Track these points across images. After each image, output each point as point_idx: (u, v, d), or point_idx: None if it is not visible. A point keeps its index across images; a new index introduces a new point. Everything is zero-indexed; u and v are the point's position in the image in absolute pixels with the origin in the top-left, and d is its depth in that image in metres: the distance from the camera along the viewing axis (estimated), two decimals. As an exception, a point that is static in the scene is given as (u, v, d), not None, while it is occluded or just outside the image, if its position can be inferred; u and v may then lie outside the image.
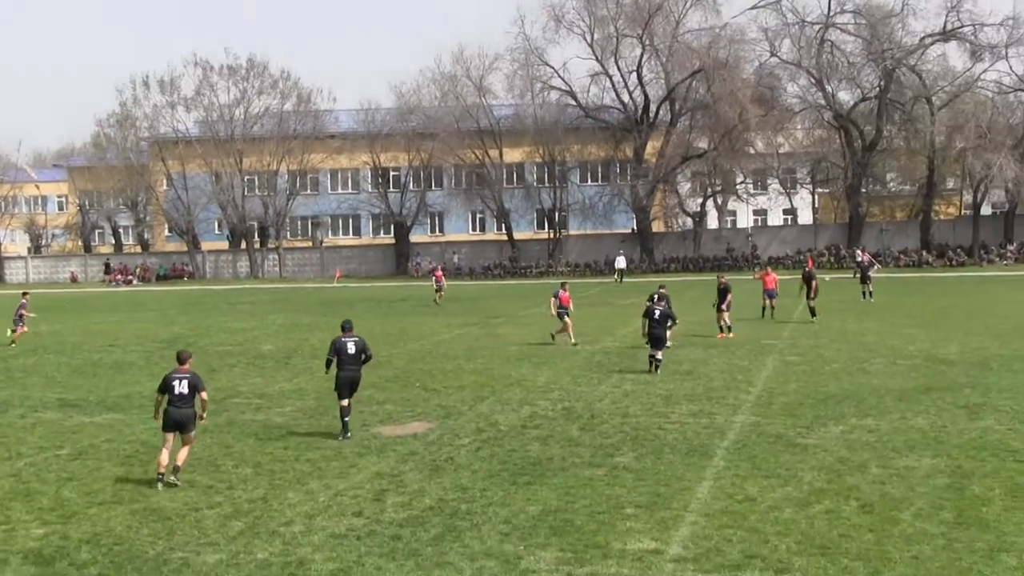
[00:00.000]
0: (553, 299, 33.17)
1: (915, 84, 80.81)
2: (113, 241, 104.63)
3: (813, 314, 38.50)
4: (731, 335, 33.04)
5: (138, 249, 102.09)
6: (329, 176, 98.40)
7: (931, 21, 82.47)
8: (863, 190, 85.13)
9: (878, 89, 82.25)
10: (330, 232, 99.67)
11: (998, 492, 13.93)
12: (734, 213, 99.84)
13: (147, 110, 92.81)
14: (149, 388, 25.03)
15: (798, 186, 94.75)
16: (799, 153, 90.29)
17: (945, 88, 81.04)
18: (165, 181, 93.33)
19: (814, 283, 39.50)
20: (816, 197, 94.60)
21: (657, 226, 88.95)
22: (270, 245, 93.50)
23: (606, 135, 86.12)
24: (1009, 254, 77.70)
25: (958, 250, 78.99)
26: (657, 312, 26.18)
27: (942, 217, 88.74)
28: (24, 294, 38.80)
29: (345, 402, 18.83)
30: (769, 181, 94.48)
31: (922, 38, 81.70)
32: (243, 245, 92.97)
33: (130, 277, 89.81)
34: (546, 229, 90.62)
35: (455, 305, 51.77)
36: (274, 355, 31.99)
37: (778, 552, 11.73)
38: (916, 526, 12.57)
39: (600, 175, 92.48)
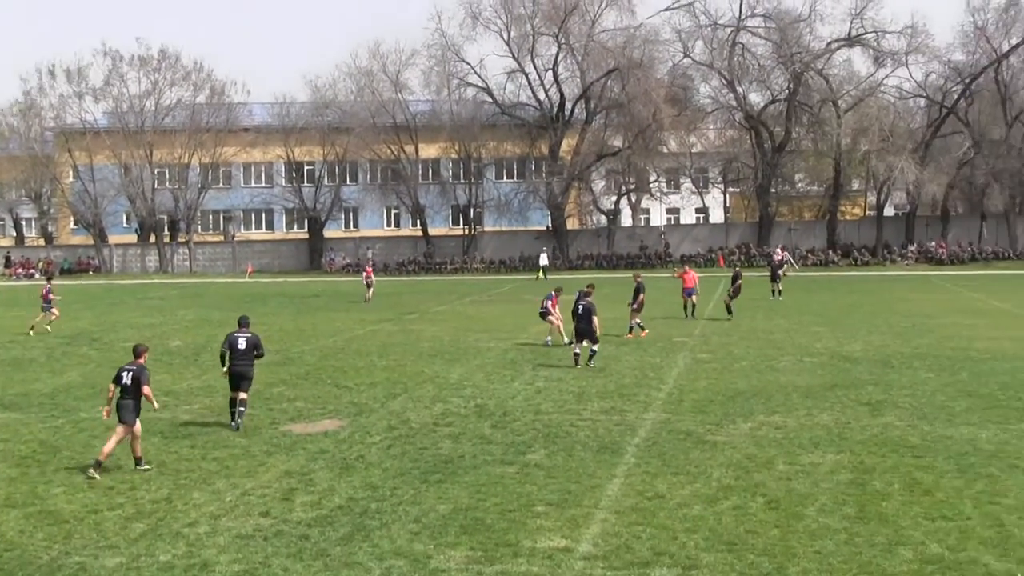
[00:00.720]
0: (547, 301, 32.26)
1: (822, 88, 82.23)
2: (15, 233, 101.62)
3: (729, 311, 38.87)
4: (643, 334, 33.15)
5: (41, 242, 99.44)
6: (242, 170, 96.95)
7: (837, 27, 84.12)
8: (772, 190, 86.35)
9: (787, 92, 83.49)
10: (242, 226, 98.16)
11: (897, 487, 14.16)
12: (648, 211, 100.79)
13: (53, 100, 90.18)
14: (50, 385, 24.57)
15: (710, 185, 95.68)
16: (711, 153, 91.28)
17: (850, 92, 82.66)
18: (71, 173, 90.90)
19: (739, 283, 39.84)
20: (727, 196, 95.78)
21: (572, 223, 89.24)
22: (180, 239, 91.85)
23: (522, 132, 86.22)
24: (910, 254, 79.30)
25: (863, 250, 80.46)
26: (580, 307, 26.46)
27: (848, 217, 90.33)
28: (49, 278, 38.04)
29: (240, 395, 18.74)
30: (682, 180, 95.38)
31: (829, 43, 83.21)
32: (152, 239, 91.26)
33: (32, 271, 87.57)
34: (461, 225, 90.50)
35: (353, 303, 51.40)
36: (183, 351, 31.42)
37: (686, 549, 11.78)
38: (820, 521, 12.73)
39: (516, 172, 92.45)
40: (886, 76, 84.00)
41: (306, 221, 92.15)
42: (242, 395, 18.92)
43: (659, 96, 78.37)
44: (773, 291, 47.99)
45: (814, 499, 13.68)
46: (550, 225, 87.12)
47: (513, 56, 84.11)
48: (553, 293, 32.93)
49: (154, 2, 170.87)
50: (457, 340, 32.62)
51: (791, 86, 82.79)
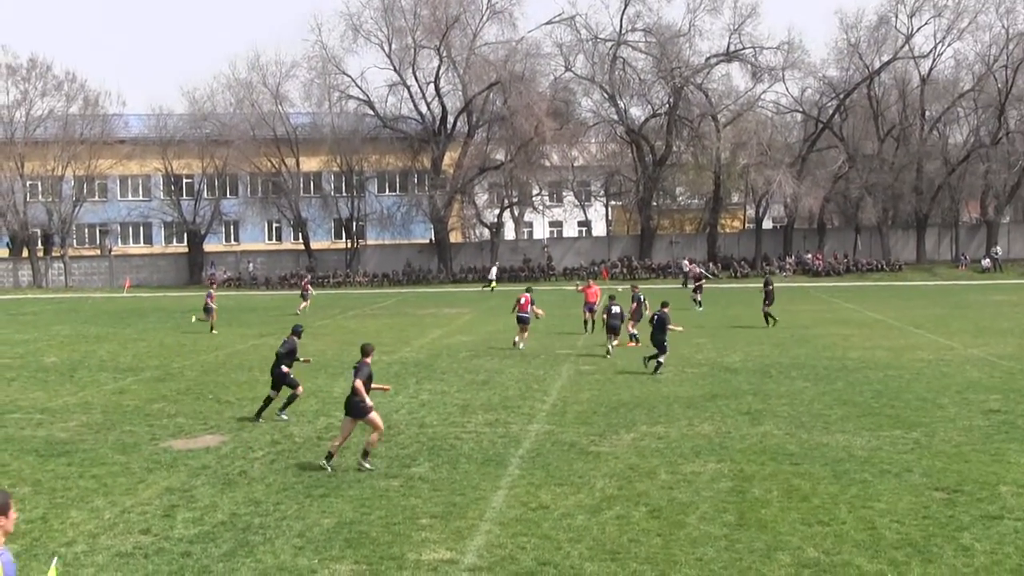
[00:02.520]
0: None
1: (702, 102, 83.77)
2: None
3: (767, 319, 40.34)
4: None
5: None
6: (118, 182, 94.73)
7: (716, 42, 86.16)
8: (654, 203, 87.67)
9: (668, 106, 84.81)
10: (119, 240, 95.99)
11: (776, 494, 14.54)
12: (530, 224, 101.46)
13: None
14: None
15: (592, 198, 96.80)
16: (593, 166, 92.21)
17: (729, 107, 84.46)
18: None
19: (770, 288, 41.10)
20: (609, 209, 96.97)
21: (455, 236, 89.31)
22: (55, 253, 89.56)
23: (404, 145, 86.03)
24: (788, 266, 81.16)
25: (742, 262, 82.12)
26: (656, 317, 27.67)
27: (727, 230, 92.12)
28: (211, 283, 35.39)
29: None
30: (564, 193, 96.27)
31: (708, 58, 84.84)
32: (25, 253, 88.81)
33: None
34: (344, 239, 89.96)
35: (251, 316, 50.86)
36: (58, 367, 30.69)
37: (570, 559, 11.93)
38: (701, 529, 13.00)
39: (398, 185, 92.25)
40: (764, 91, 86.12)
41: (185, 235, 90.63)
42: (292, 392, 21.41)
43: (541, 110, 78.98)
44: (694, 300, 48.98)
45: (695, 507, 13.96)
46: (433, 238, 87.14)
47: (395, 69, 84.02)
48: (526, 295, 34.63)
49: (20, 10, 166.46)
50: (340, 354, 32.43)
51: (671, 100, 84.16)
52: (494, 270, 77.15)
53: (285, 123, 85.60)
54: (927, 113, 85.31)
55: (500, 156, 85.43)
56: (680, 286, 67.88)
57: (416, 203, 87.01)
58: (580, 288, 42.58)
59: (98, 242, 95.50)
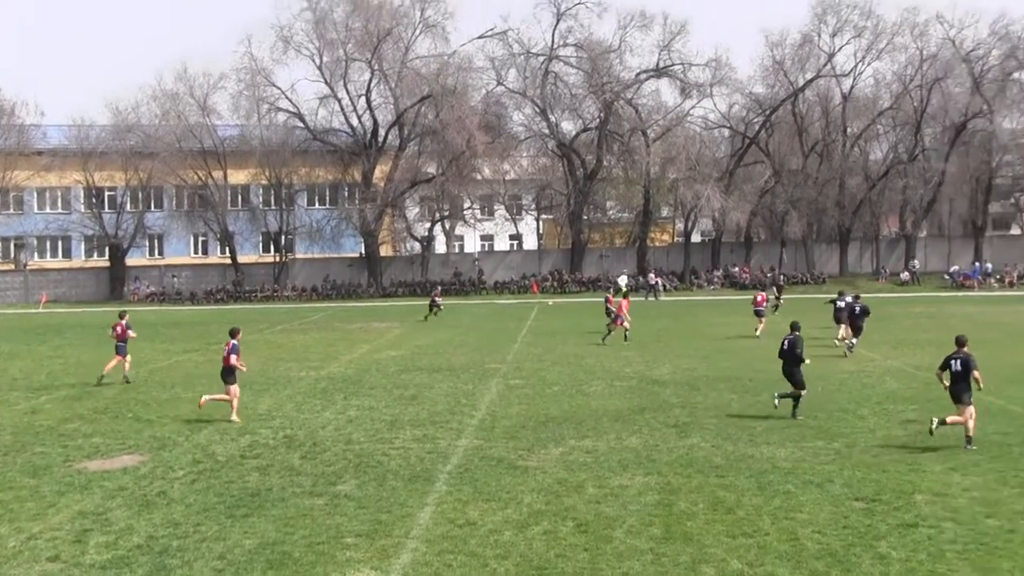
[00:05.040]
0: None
1: (632, 117, 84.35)
2: None
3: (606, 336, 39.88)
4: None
5: None
6: (36, 195, 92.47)
7: (646, 58, 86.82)
8: (585, 217, 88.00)
9: (598, 120, 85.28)
10: (36, 254, 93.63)
11: (702, 507, 14.61)
12: (462, 238, 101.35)
13: None
14: None
15: (523, 212, 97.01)
16: (524, 180, 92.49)
17: (659, 122, 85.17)
18: None
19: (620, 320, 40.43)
20: (540, 223, 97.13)
21: (385, 250, 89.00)
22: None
23: (335, 158, 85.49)
24: (716, 279, 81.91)
25: (671, 275, 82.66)
26: (786, 343, 22.96)
27: (657, 244, 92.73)
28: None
29: None
30: (496, 207, 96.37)
31: (638, 74, 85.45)
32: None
33: None
34: (272, 252, 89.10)
35: (174, 331, 50.14)
36: (-26, 385, 29.99)
37: (496, 575, 11.88)
38: (627, 543, 13.02)
39: (328, 198, 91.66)
40: (692, 107, 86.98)
41: (107, 249, 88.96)
42: None
43: (473, 123, 78.98)
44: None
45: (622, 521, 13.98)
46: (363, 252, 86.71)
47: (326, 81, 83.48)
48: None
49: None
50: (266, 370, 32.12)
51: (602, 115, 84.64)
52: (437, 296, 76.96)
53: (213, 135, 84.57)
54: (849, 130, 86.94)
55: (431, 169, 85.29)
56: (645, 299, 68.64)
57: (346, 216, 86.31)
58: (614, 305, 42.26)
59: (12, 256, 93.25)
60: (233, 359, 22.87)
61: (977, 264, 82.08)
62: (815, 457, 17.67)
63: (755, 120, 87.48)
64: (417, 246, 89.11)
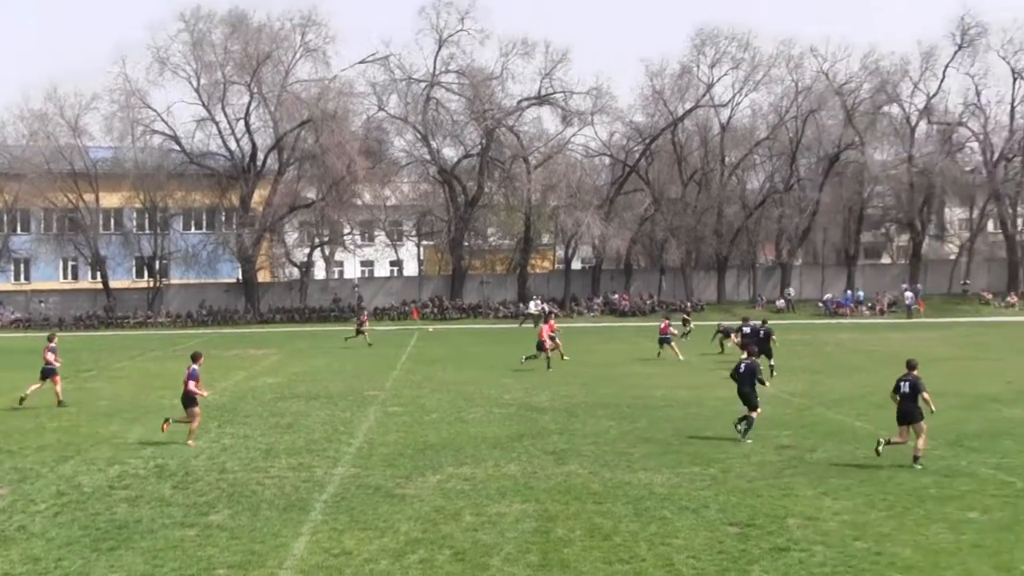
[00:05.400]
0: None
1: (513, 144, 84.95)
2: None
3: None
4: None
5: None
6: None
7: (528, 86, 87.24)
8: (466, 243, 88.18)
9: (480, 147, 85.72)
10: None
11: (579, 533, 14.67)
12: (341, 264, 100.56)
13: None
14: None
15: (404, 238, 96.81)
16: (405, 206, 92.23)
17: (540, 149, 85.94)
18: None
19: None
20: (421, 249, 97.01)
21: (263, 276, 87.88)
22: None
23: (212, 182, 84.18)
24: (596, 306, 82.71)
25: (551, 302, 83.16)
26: (743, 367, 23.20)
27: (538, 270, 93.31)
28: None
29: None
30: (376, 233, 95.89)
31: (519, 101, 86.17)
32: None
33: None
34: (146, 277, 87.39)
35: (38, 359, 48.57)
36: None
37: (371, 605, 11.78)
38: (504, 570, 13.01)
39: (205, 223, 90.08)
40: (573, 134, 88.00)
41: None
42: None
43: (353, 148, 78.68)
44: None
45: (499, 548, 13.96)
46: (240, 277, 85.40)
47: (203, 104, 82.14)
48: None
49: None
50: (138, 398, 31.40)
51: (484, 142, 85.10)
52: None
53: (84, 157, 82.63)
54: (727, 159, 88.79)
55: (311, 194, 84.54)
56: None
57: (223, 241, 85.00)
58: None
59: None
60: (192, 385, 22.57)
61: (849, 292, 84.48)
62: (691, 483, 17.89)
63: (635, 148, 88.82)
64: (296, 272, 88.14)
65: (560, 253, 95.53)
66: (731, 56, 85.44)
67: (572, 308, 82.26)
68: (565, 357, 41.15)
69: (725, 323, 47.74)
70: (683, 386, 32.91)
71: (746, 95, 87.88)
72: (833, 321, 74.36)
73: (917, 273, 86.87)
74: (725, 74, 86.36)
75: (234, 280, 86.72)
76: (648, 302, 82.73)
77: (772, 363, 35.62)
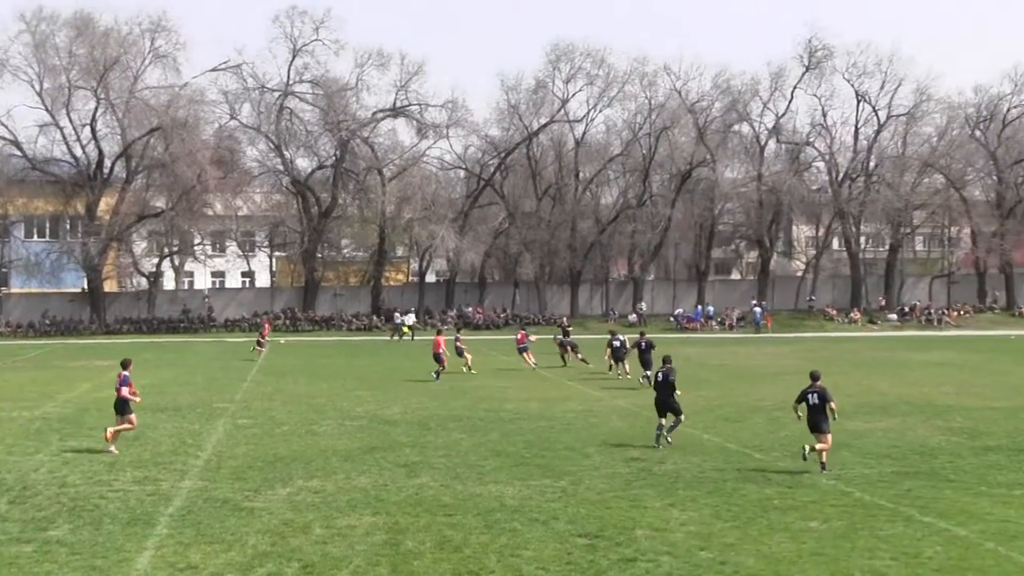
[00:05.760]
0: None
1: (368, 155, 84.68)
2: None
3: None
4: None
5: None
6: None
7: (383, 97, 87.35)
8: (319, 255, 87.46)
9: (334, 158, 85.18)
10: None
11: (429, 546, 14.66)
12: (192, 274, 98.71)
13: None
14: None
15: (256, 249, 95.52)
16: (258, 216, 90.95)
17: (395, 161, 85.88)
18: None
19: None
20: (274, 260, 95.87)
21: (110, 285, 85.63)
22: None
23: (56, 189, 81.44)
24: (450, 319, 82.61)
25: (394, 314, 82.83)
26: (660, 375, 23.94)
27: (392, 283, 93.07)
28: None
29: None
30: (228, 243, 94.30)
31: (374, 112, 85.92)
32: None
33: None
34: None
35: None
36: None
37: (217, 620, 11.59)
38: (353, 584, 12.95)
39: (49, 231, 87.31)
40: (429, 147, 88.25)
41: None
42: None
43: (204, 157, 77.35)
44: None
45: (349, 561, 13.87)
46: (86, 287, 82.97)
47: (46, 109, 79.48)
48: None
49: None
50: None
51: (338, 153, 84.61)
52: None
53: (-83, 160, 79.34)
54: (581, 174, 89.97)
55: (161, 203, 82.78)
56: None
57: (68, 250, 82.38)
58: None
59: None
60: (125, 391, 23.11)
61: (700, 307, 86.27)
62: (541, 495, 18.05)
63: (490, 162, 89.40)
64: (144, 282, 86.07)
65: (414, 266, 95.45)
66: (586, 72, 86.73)
67: (426, 321, 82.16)
68: (473, 371, 42.45)
69: (561, 336, 48.36)
70: (535, 399, 33.17)
71: (600, 111, 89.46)
72: (683, 335, 75.85)
73: (765, 289, 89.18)
74: (580, 90, 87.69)
75: (79, 290, 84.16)
76: (502, 315, 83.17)
77: (649, 374, 36.19)
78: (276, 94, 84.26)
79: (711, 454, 22.01)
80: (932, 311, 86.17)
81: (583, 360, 44.84)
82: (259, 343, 54.16)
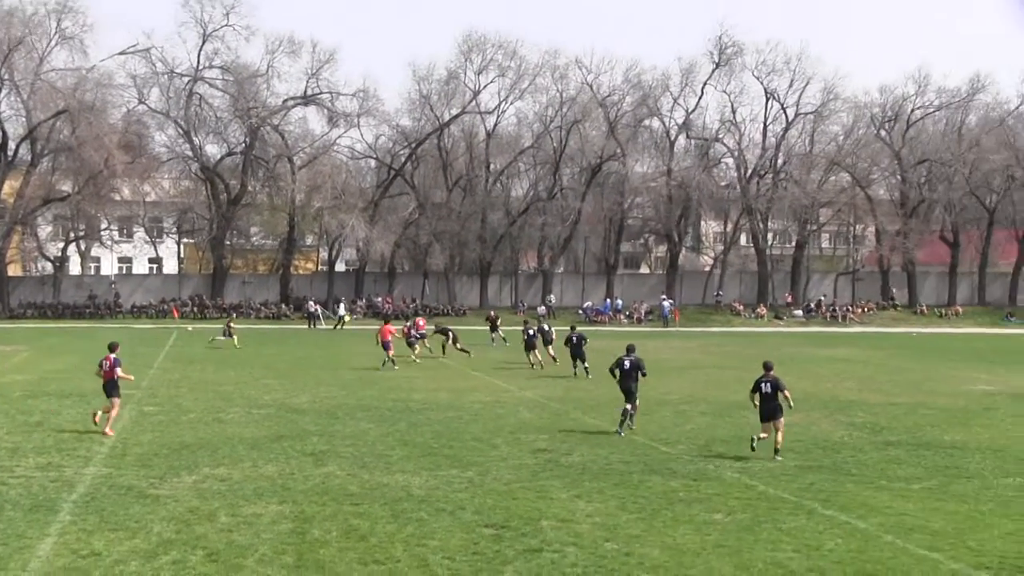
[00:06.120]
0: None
1: (278, 143, 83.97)
2: None
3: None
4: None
5: None
6: None
7: (294, 85, 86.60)
8: (228, 242, 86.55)
9: (244, 145, 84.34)
10: None
11: (335, 534, 14.64)
12: (98, 259, 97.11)
13: None
14: None
15: (164, 235, 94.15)
16: (166, 202, 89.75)
17: (306, 149, 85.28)
18: None
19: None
20: (182, 247, 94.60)
21: (14, 270, 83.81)
22: None
23: (-42, 171, 79.65)
24: (359, 309, 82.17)
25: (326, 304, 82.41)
26: (627, 363, 24.62)
27: (301, 272, 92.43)
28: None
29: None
30: (135, 229, 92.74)
31: (285, 100, 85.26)
32: None
33: None
34: None
35: None
36: None
37: (120, 608, 11.49)
38: (259, 572, 12.87)
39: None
40: (339, 136, 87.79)
41: None
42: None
43: (112, 142, 76.06)
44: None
45: (254, 550, 13.81)
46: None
47: (-52, 89, 77.65)
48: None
49: None
50: None
51: (248, 140, 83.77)
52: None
53: None
54: (492, 166, 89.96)
55: (67, 187, 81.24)
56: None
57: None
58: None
59: None
60: (119, 371, 23.76)
61: (608, 300, 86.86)
62: (449, 485, 18.10)
63: (401, 152, 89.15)
64: (49, 266, 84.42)
65: (324, 255, 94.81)
66: (498, 64, 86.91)
67: (334, 310, 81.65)
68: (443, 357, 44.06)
69: (445, 324, 48.56)
70: (443, 389, 33.24)
71: (512, 103, 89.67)
72: (592, 328, 76.25)
73: (674, 283, 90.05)
74: (492, 81, 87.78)
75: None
76: (411, 305, 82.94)
77: (586, 365, 36.97)
78: (185, 79, 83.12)
79: (618, 446, 22.25)
80: (837, 308, 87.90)
81: (463, 350, 44.87)
82: (227, 333, 53.18)
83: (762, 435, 20.97)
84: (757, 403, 21.32)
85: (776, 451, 20.81)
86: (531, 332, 41.46)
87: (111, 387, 23.67)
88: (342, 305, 77.28)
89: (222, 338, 52.70)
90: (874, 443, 23.36)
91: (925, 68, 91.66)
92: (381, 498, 16.98)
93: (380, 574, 12.91)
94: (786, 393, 21.08)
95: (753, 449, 20.82)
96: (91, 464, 19.52)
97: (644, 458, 20.83)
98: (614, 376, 24.83)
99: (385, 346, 40.60)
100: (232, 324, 55.83)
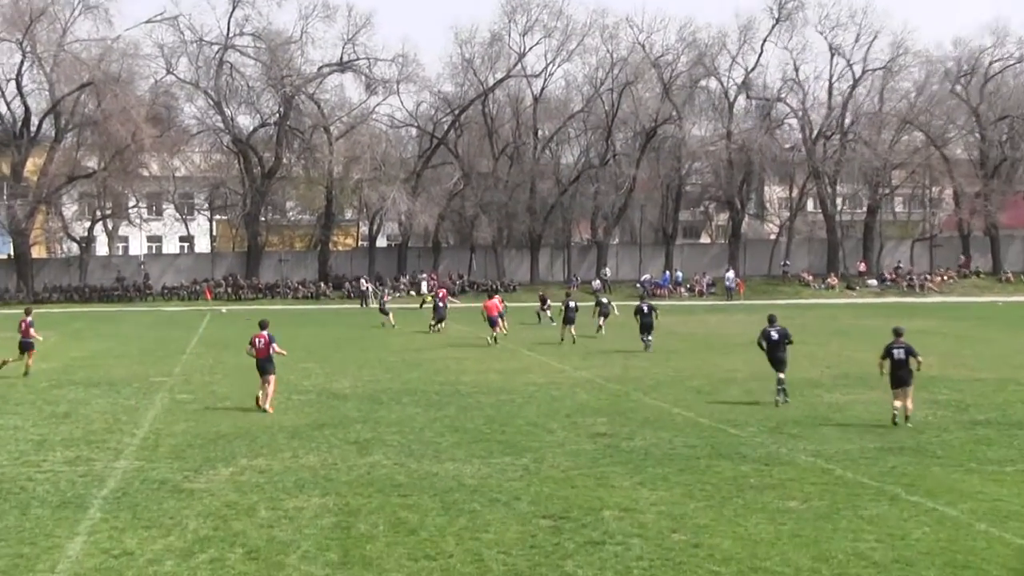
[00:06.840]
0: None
1: (314, 112, 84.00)
2: None
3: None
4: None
5: None
6: None
7: (329, 51, 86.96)
8: (262, 218, 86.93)
9: (278, 115, 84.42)
10: None
11: (382, 528, 14.49)
12: (126, 239, 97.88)
13: None
14: None
15: (195, 212, 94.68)
16: (197, 177, 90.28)
17: (343, 119, 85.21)
18: None
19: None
20: (214, 224, 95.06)
21: (38, 251, 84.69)
22: None
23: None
24: (402, 286, 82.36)
25: (355, 282, 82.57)
26: (774, 333, 25.63)
27: (340, 248, 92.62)
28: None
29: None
30: (165, 206, 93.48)
31: (320, 67, 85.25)
32: None
33: None
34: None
35: None
36: None
37: (155, 611, 11.40)
38: (301, 569, 12.75)
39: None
40: (378, 104, 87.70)
41: None
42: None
43: (139, 115, 76.47)
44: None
45: (297, 546, 13.69)
46: (12, 253, 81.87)
47: (-33, 63, 78.41)
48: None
49: None
50: None
51: (282, 110, 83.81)
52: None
53: None
54: (540, 132, 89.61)
55: (92, 164, 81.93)
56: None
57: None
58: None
59: None
60: (275, 347, 25.36)
61: (667, 272, 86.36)
62: (502, 474, 17.91)
63: (444, 120, 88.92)
64: (75, 247, 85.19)
65: (364, 230, 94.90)
66: (543, 24, 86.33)
67: (378, 288, 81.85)
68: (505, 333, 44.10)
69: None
70: (493, 371, 33.07)
71: (559, 65, 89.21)
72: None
73: (737, 253, 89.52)
74: (537, 43, 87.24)
75: (5, 256, 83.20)
76: (458, 282, 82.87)
77: (651, 338, 38.78)
78: (215, 48, 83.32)
79: (682, 429, 21.96)
80: (914, 276, 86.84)
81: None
82: (382, 311, 53.94)
83: (896, 404, 21.94)
84: (886, 371, 22.25)
85: (907, 418, 21.75)
86: (571, 304, 42.55)
87: (266, 364, 24.82)
88: (424, 283, 77.72)
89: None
90: (960, 422, 22.87)
91: (1003, 18, 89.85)
92: (430, 489, 16.81)
93: (432, 571, 12.74)
94: (919, 359, 22.11)
95: (895, 424, 21.69)
96: (122, 457, 19.52)
97: (711, 441, 20.51)
98: (761, 348, 25.71)
99: (492, 322, 41.76)
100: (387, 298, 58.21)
